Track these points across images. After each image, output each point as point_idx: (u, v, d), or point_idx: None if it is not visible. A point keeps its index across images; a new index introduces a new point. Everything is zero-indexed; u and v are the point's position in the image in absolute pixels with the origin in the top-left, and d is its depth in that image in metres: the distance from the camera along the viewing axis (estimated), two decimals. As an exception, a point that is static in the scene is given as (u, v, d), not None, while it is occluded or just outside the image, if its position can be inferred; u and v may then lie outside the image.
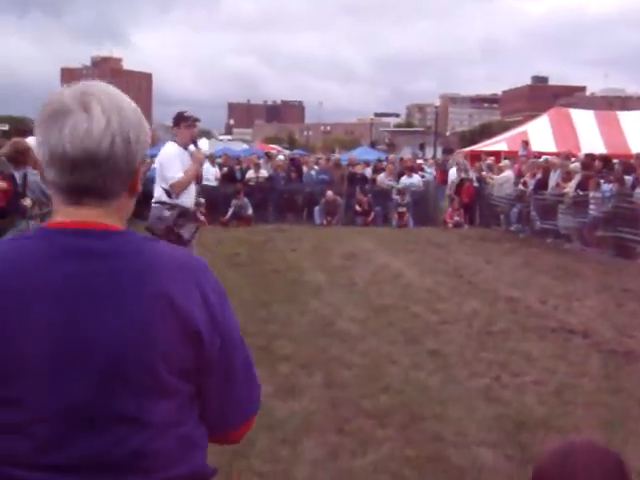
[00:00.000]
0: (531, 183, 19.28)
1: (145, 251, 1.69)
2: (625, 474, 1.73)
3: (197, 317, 1.65)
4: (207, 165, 22.06)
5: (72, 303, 1.59)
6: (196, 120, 7.77)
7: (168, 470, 1.65)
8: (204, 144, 42.65)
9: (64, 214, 1.69)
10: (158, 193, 7.53)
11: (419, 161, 31.06)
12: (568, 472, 1.72)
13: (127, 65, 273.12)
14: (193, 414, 1.73)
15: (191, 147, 7.59)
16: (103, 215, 1.68)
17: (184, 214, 7.44)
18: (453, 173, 23.77)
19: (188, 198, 7.63)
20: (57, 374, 1.57)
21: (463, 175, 23.26)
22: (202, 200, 12.07)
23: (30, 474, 1.57)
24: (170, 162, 7.49)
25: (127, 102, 1.72)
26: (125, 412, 1.60)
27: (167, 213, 7.33)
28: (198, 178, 21.59)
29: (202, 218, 8.56)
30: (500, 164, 22.83)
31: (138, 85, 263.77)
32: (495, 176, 21.88)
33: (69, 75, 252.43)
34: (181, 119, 7.68)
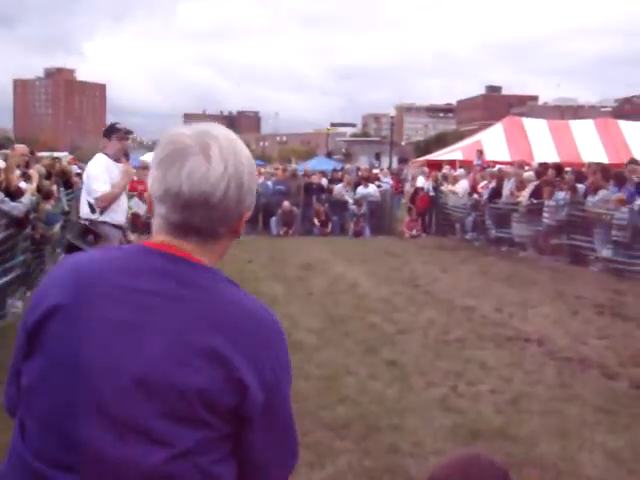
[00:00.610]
0: (485, 192, 19.46)
1: (220, 292, 1.71)
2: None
3: (246, 374, 1.63)
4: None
5: (130, 312, 1.64)
6: (128, 132, 7.64)
7: None
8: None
9: (163, 239, 1.76)
10: (85, 209, 7.35)
11: (375, 171, 31.15)
12: None
13: (81, 76, 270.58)
14: (221, 451, 1.68)
15: (120, 165, 7.44)
16: (199, 252, 1.74)
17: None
18: (421, 181, 23.74)
19: (117, 215, 7.44)
20: (96, 372, 1.61)
21: (418, 184, 23.40)
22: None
23: (50, 471, 1.60)
24: (97, 175, 7.28)
25: (242, 146, 1.78)
26: (150, 428, 1.60)
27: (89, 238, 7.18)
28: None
29: (132, 238, 8.38)
30: (455, 173, 22.99)
31: (92, 96, 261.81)
32: (450, 186, 22.02)
33: (22, 87, 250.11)
34: (113, 131, 7.50)
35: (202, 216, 1.70)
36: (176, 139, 1.72)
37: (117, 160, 7.40)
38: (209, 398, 1.60)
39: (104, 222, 7.30)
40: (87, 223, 7.25)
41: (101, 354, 1.61)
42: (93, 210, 7.26)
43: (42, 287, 1.76)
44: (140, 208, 18.63)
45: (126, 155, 7.58)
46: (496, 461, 1.88)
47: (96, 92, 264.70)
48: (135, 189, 21.66)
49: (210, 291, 1.69)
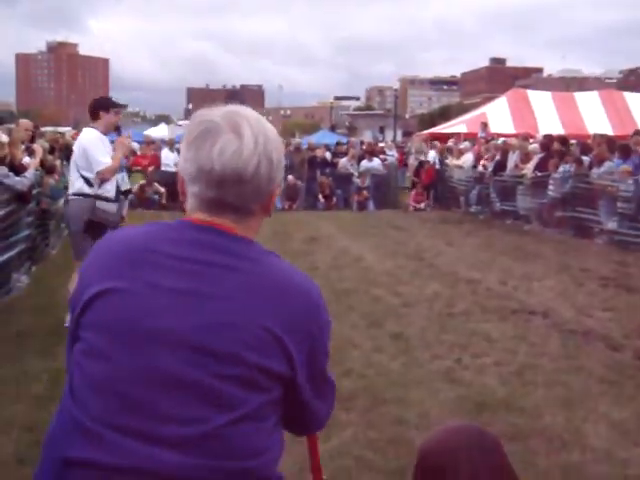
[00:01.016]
0: (490, 165, 19.40)
1: (270, 264, 1.78)
2: (502, 454, 1.88)
3: (295, 350, 1.73)
4: (166, 151, 21.90)
5: (184, 279, 1.70)
6: (123, 106, 7.62)
7: (236, 459, 1.67)
8: (163, 129, 42.40)
9: (202, 217, 1.80)
10: (78, 184, 7.28)
11: (381, 144, 31.06)
12: (450, 453, 1.83)
13: (83, 51, 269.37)
14: (274, 416, 1.77)
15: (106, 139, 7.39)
16: (237, 227, 1.79)
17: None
18: (432, 155, 23.52)
19: (112, 187, 7.42)
20: (158, 338, 1.67)
21: (422, 158, 23.33)
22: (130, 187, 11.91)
23: (108, 432, 1.63)
24: (97, 147, 7.23)
25: (269, 125, 1.85)
26: (207, 392, 1.65)
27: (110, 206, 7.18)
28: (157, 164, 21.51)
29: (124, 212, 8.39)
30: (460, 146, 22.92)
31: (95, 70, 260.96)
32: (455, 159, 21.96)
33: (24, 61, 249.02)
34: (111, 104, 7.46)
35: (236, 193, 1.76)
36: (206, 119, 1.78)
37: (106, 134, 7.39)
38: (265, 367, 1.68)
39: (98, 196, 7.26)
40: (85, 219, 7.17)
41: (163, 321, 1.67)
42: (90, 184, 7.21)
43: (92, 262, 1.82)
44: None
45: (117, 129, 7.53)
46: (487, 431, 1.92)
47: (99, 66, 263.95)
48: (139, 164, 21.71)
49: (261, 263, 1.76)
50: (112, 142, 7.63)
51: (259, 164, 1.75)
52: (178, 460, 1.61)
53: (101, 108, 7.41)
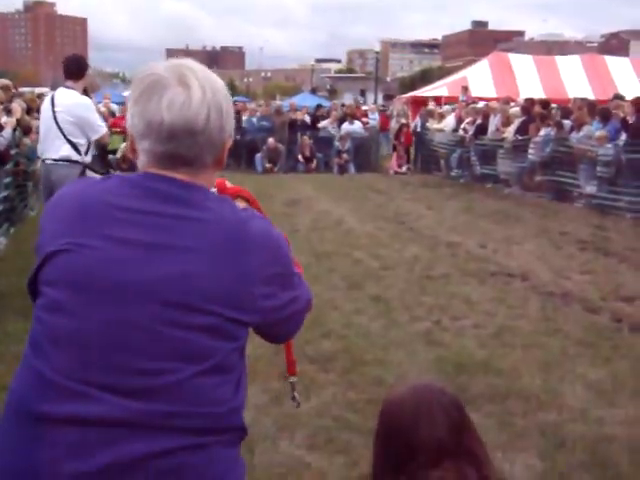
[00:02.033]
0: (471, 128, 19.36)
1: (229, 212, 1.77)
2: (462, 413, 1.94)
3: (256, 291, 1.74)
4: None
5: (144, 232, 1.69)
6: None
7: (203, 407, 1.68)
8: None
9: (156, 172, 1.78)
10: (65, 150, 7.03)
11: (363, 107, 30.91)
12: (411, 410, 1.89)
13: (61, 10, 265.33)
14: (240, 365, 1.78)
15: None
16: (193, 180, 1.77)
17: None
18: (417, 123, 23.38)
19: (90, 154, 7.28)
20: (116, 289, 1.66)
21: (402, 121, 23.28)
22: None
23: (72, 384, 1.64)
24: (95, 113, 7.12)
25: (215, 76, 1.83)
26: (176, 343, 1.66)
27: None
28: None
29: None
30: (441, 110, 22.85)
31: (73, 30, 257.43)
32: (436, 123, 21.89)
33: (0, 20, 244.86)
34: (86, 67, 7.25)
35: (188, 145, 1.73)
36: (151, 73, 1.75)
37: None
38: (233, 317, 1.69)
39: (87, 165, 7.14)
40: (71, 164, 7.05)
41: (126, 274, 1.66)
42: (79, 151, 7.08)
43: (50, 217, 1.81)
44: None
45: (85, 91, 7.35)
46: (448, 390, 1.96)
47: (77, 26, 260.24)
48: (119, 125, 21.48)
49: (220, 212, 1.75)
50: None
51: (209, 114, 1.73)
52: (147, 408, 1.62)
53: (85, 67, 7.24)
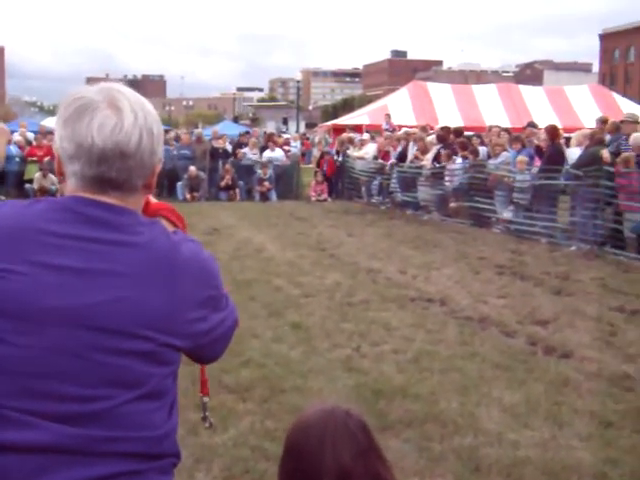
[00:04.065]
0: (394, 155, 19.59)
1: (159, 238, 1.75)
2: (368, 436, 1.92)
3: (187, 316, 1.74)
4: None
5: (74, 257, 1.65)
6: None
7: (136, 432, 1.67)
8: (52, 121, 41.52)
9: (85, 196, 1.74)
10: None
11: (286, 136, 31.06)
12: (314, 438, 1.88)
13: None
14: (173, 389, 1.79)
15: None
16: (123, 204, 1.75)
17: None
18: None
19: None
20: (46, 316, 1.62)
21: (324, 149, 23.44)
22: None
23: (5, 411, 1.61)
24: None
25: (146, 100, 1.80)
26: (107, 370, 1.64)
27: None
28: (53, 154, 20.96)
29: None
30: (362, 137, 23.08)
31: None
32: (356, 151, 22.07)
33: None
34: None
35: (119, 168, 1.70)
36: (81, 96, 1.72)
37: None
38: (166, 343, 1.69)
39: None
40: None
41: (55, 301, 1.63)
42: None
43: None
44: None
45: None
46: (353, 413, 1.95)
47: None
48: (34, 154, 21.13)
49: (150, 237, 1.73)
50: None
51: (141, 137, 1.71)
52: (85, 434, 1.61)
53: None
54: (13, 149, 19.68)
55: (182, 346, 1.74)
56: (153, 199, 2.05)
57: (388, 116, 25.16)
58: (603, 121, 14.86)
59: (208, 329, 1.79)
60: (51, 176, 19.78)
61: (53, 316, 1.62)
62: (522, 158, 14.56)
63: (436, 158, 17.20)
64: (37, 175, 19.74)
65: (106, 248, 1.67)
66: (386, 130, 23.15)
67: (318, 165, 22.98)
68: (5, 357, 1.62)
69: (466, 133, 19.07)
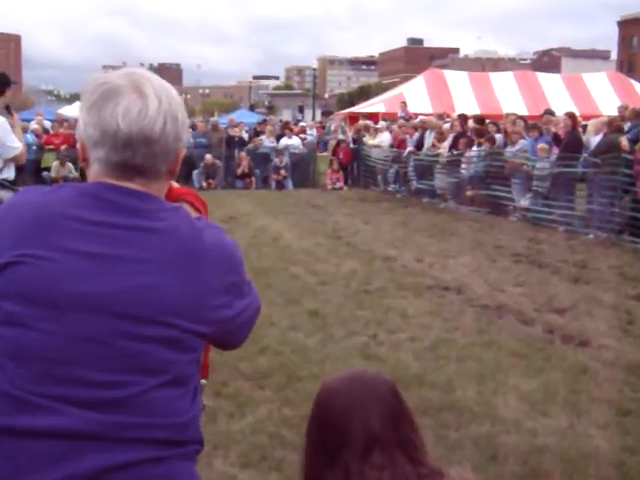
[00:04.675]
0: (410, 142, 19.53)
1: (184, 224, 1.75)
2: (398, 400, 1.91)
3: (211, 303, 1.74)
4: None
5: (99, 243, 1.66)
6: (15, 84, 7.20)
7: (167, 418, 1.69)
8: (75, 108, 41.52)
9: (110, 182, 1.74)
10: None
11: (302, 124, 31.02)
12: (343, 404, 1.87)
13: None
14: (196, 375, 1.79)
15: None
16: (147, 190, 1.75)
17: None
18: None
19: (9, 174, 7.07)
20: (71, 302, 1.63)
21: (340, 137, 23.39)
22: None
23: (31, 397, 1.61)
24: (7, 130, 6.94)
25: (170, 86, 1.80)
26: (132, 357, 1.64)
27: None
28: (71, 142, 20.96)
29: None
30: (377, 126, 23.01)
31: (7, 48, 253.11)
32: (372, 139, 22.00)
33: None
34: (8, 82, 7.03)
35: (143, 154, 1.71)
36: (105, 81, 1.72)
37: None
38: (190, 329, 1.69)
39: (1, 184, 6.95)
40: None
41: (81, 287, 1.63)
42: None
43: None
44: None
45: (7, 108, 7.13)
46: (382, 378, 1.94)
47: (11, 43, 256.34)
48: (51, 142, 21.21)
49: (174, 223, 1.73)
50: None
51: (165, 123, 1.70)
52: (109, 420, 1.61)
53: (7, 83, 7.08)
54: (30, 137, 19.76)
55: (206, 332, 1.74)
56: (176, 184, 2.05)
57: (404, 104, 25.06)
58: (624, 109, 14.75)
59: (232, 315, 1.80)
60: (69, 164, 19.87)
61: (78, 302, 1.63)
62: (543, 146, 14.46)
63: (453, 146, 17.12)
64: (55, 164, 19.82)
65: (130, 234, 1.68)
66: (401, 118, 23.06)
67: (334, 153, 22.91)
68: (30, 343, 1.63)
69: (483, 121, 18.95)
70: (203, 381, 2.27)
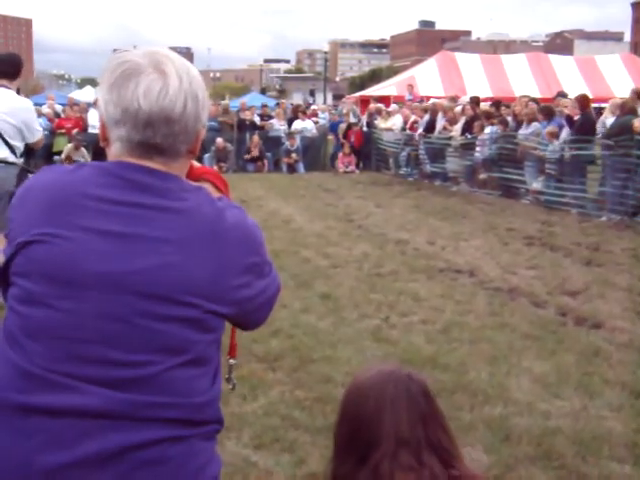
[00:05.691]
0: (421, 124, 19.44)
1: (205, 203, 1.75)
2: (429, 400, 1.90)
3: (232, 283, 1.74)
4: (93, 111, 21.40)
5: (120, 222, 1.66)
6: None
7: (187, 397, 1.69)
8: (89, 92, 41.56)
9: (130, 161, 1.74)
10: (3, 152, 6.71)
11: (314, 107, 30.93)
12: (374, 401, 1.85)
13: (4, 10, 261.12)
14: (216, 356, 1.79)
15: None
16: (167, 170, 1.75)
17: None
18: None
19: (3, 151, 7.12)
20: (92, 281, 1.64)
21: (352, 120, 23.32)
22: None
23: (52, 376, 1.62)
24: (34, 114, 6.95)
25: (191, 65, 1.79)
26: (153, 336, 1.65)
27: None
28: (82, 126, 21.00)
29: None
30: (389, 109, 22.93)
31: (18, 32, 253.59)
32: (383, 122, 21.91)
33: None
34: (22, 65, 7.02)
35: (164, 133, 1.71)
36: (126, 60, 1.72)
37: None
38: (211, 309, 1.70)
39: (23, 167, 6.94)
40: (11, 189, 6.79)
41: (102, 266, 1.64)
42: (15, 153, 6.86)
43: (21, 208, 1.75)
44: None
45: (17, 91, 7.14)
46: (415, 377, 1.92)
47: (22, 27, 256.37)
48: (63, 126, 21.21)
49: (195, 202, 1.73)
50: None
51: (186, 102, 1.70)
52: (129, 399, 1.62)
53: (21, 66, 7.06)
54: (42, 121, 19.77)
55: (227, 313, 1.75)
56: (197, 164, 2.05)
57: (411, 86, 25.00)
58: (637, 92, 14.62)
59: (253, 295, 1.80)
60: (83, 150, 19.84)
61: (98, 281, 1.63)
62: (553, 129, 14.38)
63: (466, 129, 17.05)
64: (69, 146, 19.80)
65: (151, 214, 1.68)
66: (409, 101, 22.98)
67: (345, 137, 22.85)
68: (51, 322, 1.64)
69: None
70: (232, 361, 2.27)
